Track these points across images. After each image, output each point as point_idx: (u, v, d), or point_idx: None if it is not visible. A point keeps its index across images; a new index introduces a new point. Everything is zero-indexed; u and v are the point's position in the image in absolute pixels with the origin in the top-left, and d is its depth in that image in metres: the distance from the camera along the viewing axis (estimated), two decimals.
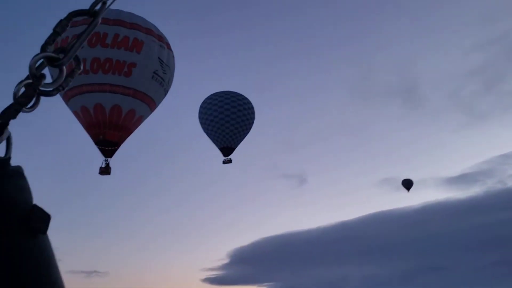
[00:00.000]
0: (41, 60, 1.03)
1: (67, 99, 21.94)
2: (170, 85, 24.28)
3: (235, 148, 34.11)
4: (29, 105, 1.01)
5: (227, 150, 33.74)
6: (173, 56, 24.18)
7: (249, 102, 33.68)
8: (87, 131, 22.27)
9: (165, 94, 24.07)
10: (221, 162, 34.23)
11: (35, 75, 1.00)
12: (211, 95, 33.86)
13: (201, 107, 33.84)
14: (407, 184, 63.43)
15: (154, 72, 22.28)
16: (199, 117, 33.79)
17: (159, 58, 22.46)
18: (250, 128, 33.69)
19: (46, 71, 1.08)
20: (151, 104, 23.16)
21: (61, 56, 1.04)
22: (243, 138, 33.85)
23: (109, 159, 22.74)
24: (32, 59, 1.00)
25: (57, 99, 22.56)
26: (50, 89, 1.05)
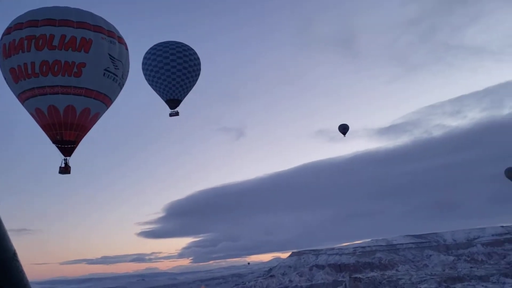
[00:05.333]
0: None
1: (22, 101, 22.00)
2: (126, 79, 24.35)
3: (182, 100, 32.20)
4: None
5: (173, 102, 31.94)
6: (127, 49, 24.09)
7: (195, 53, 31.81)
8: (44, 131, 22.46)
9: (121, 88, 24.18)
10: (168, 115, 32.43)
11: None
12: (155, 45, 31.48)
13: (144, 58, 31.44)
14: (343, 129, 66.40)
15: (105, 70, 22.33)
16: (143, 68, 31.45)
17: (109, 54, 22.44)
18: (197, 80, 31.92)
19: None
20: (106, 100, 23.32)
21: None
22: (190, 90, 32.08)
23: (68, 158, 23.07)
24: None
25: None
26: None
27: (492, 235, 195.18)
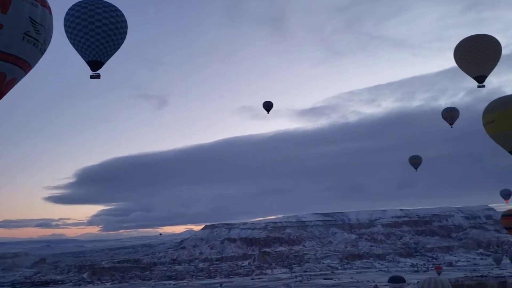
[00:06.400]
0: None
1: None
2: (48, 44, 23.05)
3: (105, 62, 31.21)
4: None
5: (95, 64, 30.73)
6: (50, 13, 22.74)
7: (122, 15, 30.43)
8: None
9: (42, 54, 22.91)
10: (89, 76, 30.98)
11: None
12: (80, 1, 29.76)
13: (67, 14, 29.81)
14: (267, 106, 68.95)
15: (25, 33, 20.99)
16: (65, 25, 29.90)
17: (30, 17, 21.04)
18: (122, 43, 30.92)
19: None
20: (25, 65, 21.97)
21: None
22: (114, 52, 31.10)
23: None
24: None
25: None
26: None
27: (392, 217, 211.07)
